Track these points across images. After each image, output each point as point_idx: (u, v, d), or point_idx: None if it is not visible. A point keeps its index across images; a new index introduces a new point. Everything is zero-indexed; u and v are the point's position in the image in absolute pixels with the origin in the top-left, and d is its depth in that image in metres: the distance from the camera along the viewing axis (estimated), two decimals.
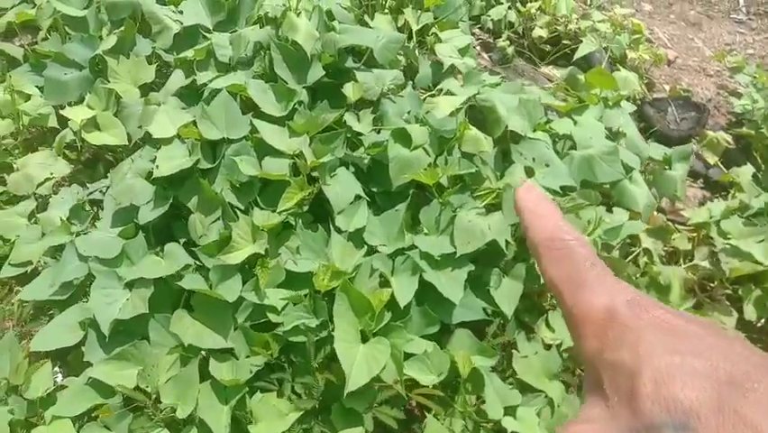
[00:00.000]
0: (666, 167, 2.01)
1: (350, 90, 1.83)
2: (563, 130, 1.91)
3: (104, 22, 2.18)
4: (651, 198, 1.88)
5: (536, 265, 0.42)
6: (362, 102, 1.89)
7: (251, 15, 2.05)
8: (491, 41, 2.72)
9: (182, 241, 1.69)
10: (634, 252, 1.94)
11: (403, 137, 1.73)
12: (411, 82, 2.06)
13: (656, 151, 2.03)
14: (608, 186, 1.88)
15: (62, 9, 2.15)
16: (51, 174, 1.89)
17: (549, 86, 2.54)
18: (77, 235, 1.70)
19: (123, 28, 2.00)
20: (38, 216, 1.79)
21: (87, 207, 1.85)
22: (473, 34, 2.67)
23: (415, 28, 2.16)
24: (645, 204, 1.86)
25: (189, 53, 1.92)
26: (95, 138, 1.86)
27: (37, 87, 2.08)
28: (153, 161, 1.73)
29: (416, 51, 2.16)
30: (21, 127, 2.00)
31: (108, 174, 1.89)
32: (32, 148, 2.05)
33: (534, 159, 1.79)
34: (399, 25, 2.34)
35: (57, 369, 1.66)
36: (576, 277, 0.36)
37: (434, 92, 2.09)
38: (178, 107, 1.86)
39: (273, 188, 1.64)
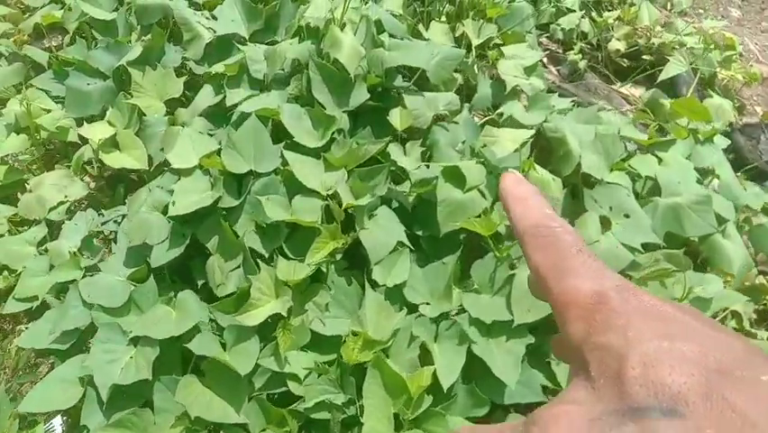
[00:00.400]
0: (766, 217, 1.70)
1: (396, 118, 1.59)
2: (646, 170, 1.62)
3: (133, 26, 2.00)
4: (747, 258, 1.58)
5: (523, 254, 0.39)
6: (410, 129, 1.65)
7: (292, 24, 1.83)
8: (560, 52, 2.43)
9: (200, 283, 1.49)
10: (719, 315, 1.64)
11: (455, 176, 1.48)
12: (468, 105, 1.80)
13: (755, 197, 1.72)
14: (696, 239, 1.59)
15: (89, 11, 1.98)
16: (66, 197, 1.72)
17: (626, 108, 2.24)
18: (85, 272, 1.53)
19: (149, 36, 1.80)
20: (48, 245, 1.62)
21: (102, 235, 1.67)
22: (540, 44, 2.39)
23: (475, 42, 1.89)
24: (741, 265, 1.56)
25: (220, 68, 1.71)
26: (113, 160, 1.68)
27: (58, 98, 1.91)
28: (173, 191, 1.54)
29: (475, 68, 1.89)
30: (38, 142, 1.84)
31: (127, 199, 1.70)
32: (51, 164, 1.89)
33: (611, 207, 1.51)
34: (458, 35, 2.08)
35: (60, 419, 1.49)
36: (562, 263, 0.35)
37: (493, 116, 1.83)
38: (204, 129, 1.66)
39: (303, 233, 1.42)
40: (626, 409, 0.27)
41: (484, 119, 1.83)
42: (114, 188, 1.84)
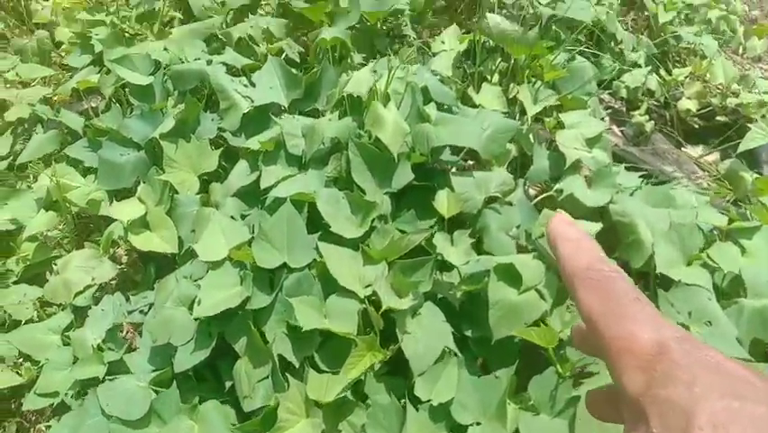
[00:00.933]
0: None
1: (443, 203, 1.44)
2: (728, 264, 1.42)
3: (170, 91, 1.92)
4: None
5: (571, 297, 0.37)
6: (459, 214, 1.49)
7: (333, 94, 1.71)
8: (624, 110, 2.24)
9: (228, 384, 1.37)
10: None
11: (510, 274, 1.31)
12: (522, 179, 1.64)
13: None
14: None
15: (125, 76, 1.91)
16: (93, 280, 1.62)
17: (698, 175, 2.04)
18: (109, 367, 1.42)
19: (183, 107, 1.71)
20: (72, 334, 1.52)
21: (128, 322, 1.57)
22: (602, 101, 2.21)
23: (531, 111, 1.73)
24: None
25: (255, 144, 1.60)
26: (142, 242, 1.58)
27: (91, 169, 1.84)
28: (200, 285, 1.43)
29: (531, 137, 1.73)
30: (68, 217, 1.76)
31: (156, 283, 1.59)
32: (83, 237, 1.81)
33: (690, 313, 1.32)
34: (512, 96, 1.92)
35: None
36: (617, 309, 0.34)
37: (551, 192, 1.66)
38: (237, 212, 1.55)
39: (337, 341, 1.28)
40: None
41: (541, 195, 1.66)
42: (146, 264, 1.75)
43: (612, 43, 2.26)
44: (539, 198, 1.66)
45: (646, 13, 2.49)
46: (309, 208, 1.45)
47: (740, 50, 2.77)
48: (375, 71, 1.60)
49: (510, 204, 1.54)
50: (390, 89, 1.58)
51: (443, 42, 2.06)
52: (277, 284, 1.36)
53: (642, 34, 2.39)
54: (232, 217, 1.51)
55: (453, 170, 1.60)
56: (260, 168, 1.58)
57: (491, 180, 1.51)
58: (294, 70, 1.80)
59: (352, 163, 1.46)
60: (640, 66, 2.21)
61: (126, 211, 1.61)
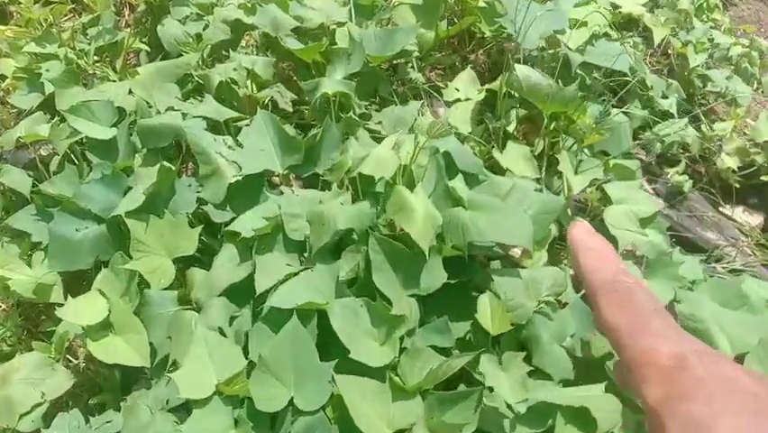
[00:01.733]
0: None
1: (487, 315, 1.17)
2: None
3: (137, 147, 1.59)
4: None
5: (591, 306, 0.39)
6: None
7: (339, 163, 1.41)
8: (651, 161, 2.00)
9: None
10: None
11: (581, 418, 1.05)
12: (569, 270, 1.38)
13: None
14: None
15: (82, 129, 1.57)
16: (43, 397, 1.30)
17: (741, 240, 1.81)
18: None
19: (152, 183, 1.39)
20: None
21: None
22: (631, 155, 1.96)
23: (576, 187, 1.47)
24: None
25: (246, 229, 1.30)
26: (104, 351, 1.26)
27: (39, 245, 1.51)
28: (179, 414, 1.12)
29: (569, 211, 1.47)
30: (11, 308, 1.43)
31: (123, 403, 1.27)
32: (28, 337, 1.48)
33: None
34: (538, 151, 1.67)
35: None
36: (639, 321, 0.35)
37: None
38: (225, 317, 1.24)
39: None
40: None
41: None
42: (110, 365, 1.42)
43: (638, 89, 2.02)
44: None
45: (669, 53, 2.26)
46: (319, 317, 1.16)
47: (754, 86, 2.58)
48: (397, 146, 1.31)
49: (560, 303, 1.27)
50: (406, 158, 1.29)
51: (457, 90, 1.79)
52: (280, 428, 1.06)
53: (665, 78, 2.16)
54: (220, 330, 1.20)
55: (495, 263, 1.33)
56: (253, 259, 1.27)
57: (542, 281, 1.24)
58: (290, 130, 1.51)
59: (373, 263, 1.17)
60: (672, 115, 1.97)
61: (83, 311, 1.29)
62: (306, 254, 1.28)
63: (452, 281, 1.21)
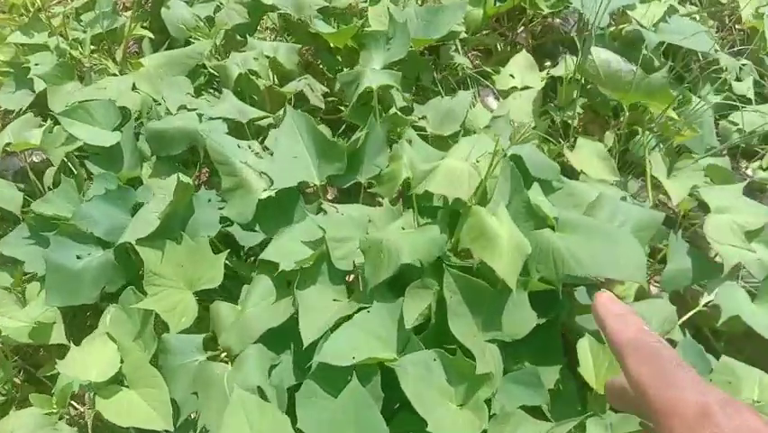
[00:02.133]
0: None
1: (589, 368, 0.94)
2: None
3: (145, 155, 1.36)
4: None
5: (621, 367, 0.40)
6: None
7: (392, 174, 1.18)
8: (723, 154, 1.76)
9: None
10: None
11: None
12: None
13: None
14: None
15: (80, 135, 1.34)
16: None
17: None
18: None
19: (168, 204, 1.15)
20: None
21: None
22: None
23: (676, 197, 1.23)
24: None
25: (284, 260, 1.07)
26: (117, 411, 1.04)
27: (34, 277, 1.28)
28: None
29: (673, 233, 1.23)
30: (3, 354, 1.20)
31: None
32: (25, 390, 1.26)
33: None
34: (609, 147, 1.43)
35: None
36: (665, 376, 0.37)
37: (702, 306, 1.17)
38: (263, 367, 1.02)
39: None
40: None
41: (687, 313, 1.17)
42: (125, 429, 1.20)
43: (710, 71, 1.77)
44: (685, 317, 1.17)
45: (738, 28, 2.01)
46: (383, 373, 0.94)
47: None
48: (475, 160, 1.06)
49: (671, 341, 1.05)
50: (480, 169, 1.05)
51: (512, 77, 1.55)
52: None
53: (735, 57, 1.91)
54: (259, 390, 0.98)
55: (579, 289, 1.10)
56: (294, 296, 1.04)
57: (650, 317, 1.01)
58: (325, 131, 1.27)
59: (450, 306, 0.94)
60: (749, 100, 1.73)
61: (90, 363, 1.06)
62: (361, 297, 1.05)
63: (540, 321, 0.99)
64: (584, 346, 0.96)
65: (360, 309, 1.01)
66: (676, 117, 1.27)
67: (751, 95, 1.74)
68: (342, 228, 1.09)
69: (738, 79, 1.80)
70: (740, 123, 1.67)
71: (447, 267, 0.94)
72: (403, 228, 1.02)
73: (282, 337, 1.05)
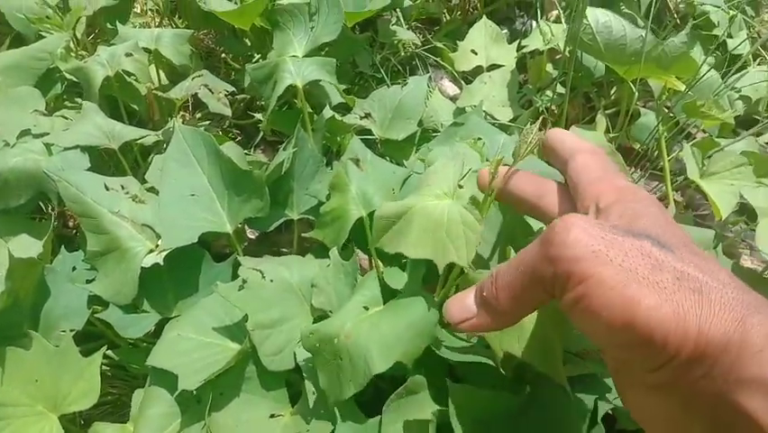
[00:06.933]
0: None
1: None
2: None
3: None
4: None
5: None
6: None
7: (336, 212, 0.80)
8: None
9: None
10: None
11: None
12: None
13: None
14: None
15: None
16: None
17: None
18: None
19: (2, 293, 0.75)
20: None
21: None
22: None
23: (723, 210, 0.91)
24: None
25: (186, 375, 0.69)
26: None
27: None
28: None
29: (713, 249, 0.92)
30: None
31: None
32: None
33: None
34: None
35: None
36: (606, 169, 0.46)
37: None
38: None
39: None
40: (631, 230, 0.35)
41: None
42: None
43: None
44: None
45: None
46: None
47: None
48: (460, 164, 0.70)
49: None
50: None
51: (474, 53, 1.19)
52: None
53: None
54: None
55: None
56: (206, 421, 0.67)
57: None
58: (237, 153, 0.89)
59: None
60: (745, 62, 1.45)
61: None
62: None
63: None
64: None
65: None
66: (708, 100, 0.95)
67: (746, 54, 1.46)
68: (271, 305, 0.72)
69: (729, 36, 1.52)
70: (743, 89, 1.39)
71: (450, 384, 0.59)
72: (366, 308, 0.66)
73: None
